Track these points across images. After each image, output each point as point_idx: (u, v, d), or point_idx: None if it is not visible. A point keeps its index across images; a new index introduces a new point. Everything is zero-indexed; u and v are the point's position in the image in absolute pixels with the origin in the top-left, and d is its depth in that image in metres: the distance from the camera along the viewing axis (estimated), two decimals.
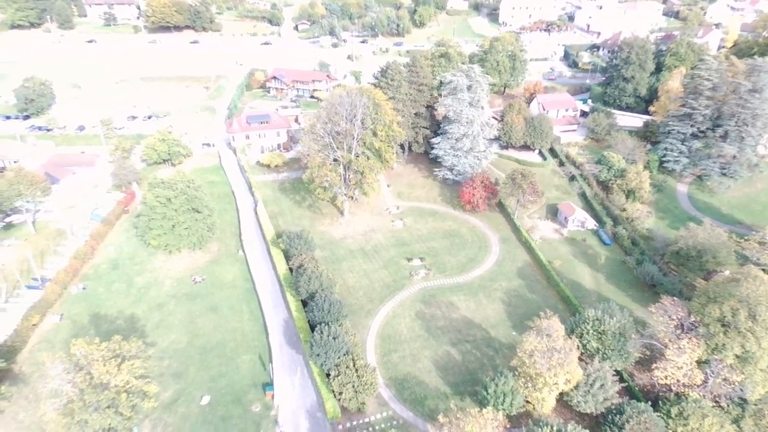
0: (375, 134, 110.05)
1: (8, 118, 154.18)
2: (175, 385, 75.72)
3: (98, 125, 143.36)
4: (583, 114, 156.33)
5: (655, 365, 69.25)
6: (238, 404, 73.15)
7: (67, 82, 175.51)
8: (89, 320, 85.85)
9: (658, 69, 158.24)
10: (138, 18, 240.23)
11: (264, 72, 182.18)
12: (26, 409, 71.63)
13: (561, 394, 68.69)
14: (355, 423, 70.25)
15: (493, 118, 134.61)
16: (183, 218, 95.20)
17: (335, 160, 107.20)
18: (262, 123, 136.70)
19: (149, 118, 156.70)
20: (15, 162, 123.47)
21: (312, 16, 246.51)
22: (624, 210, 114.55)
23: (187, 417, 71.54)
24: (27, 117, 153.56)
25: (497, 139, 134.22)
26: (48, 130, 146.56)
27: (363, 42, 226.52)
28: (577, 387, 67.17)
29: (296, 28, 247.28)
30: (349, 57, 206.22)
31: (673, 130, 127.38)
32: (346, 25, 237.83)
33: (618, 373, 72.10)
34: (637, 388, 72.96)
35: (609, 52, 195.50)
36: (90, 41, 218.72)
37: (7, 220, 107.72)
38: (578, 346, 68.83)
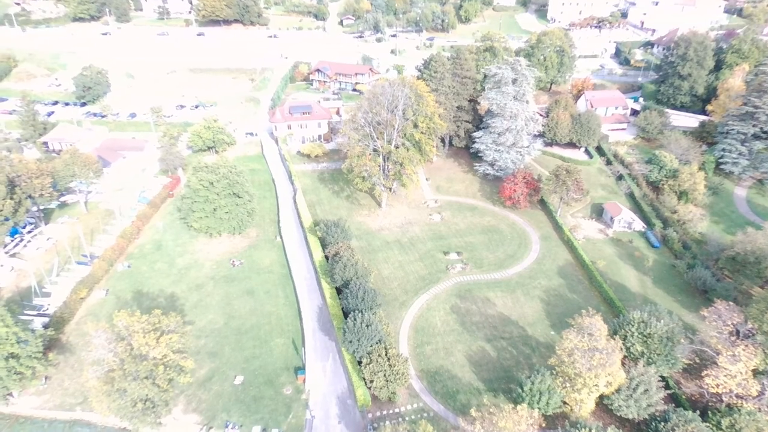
0: (416, 126, 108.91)
1: (67, 104, 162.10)
2: (210, 364, 77.23)
3: (148, 113, 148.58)
4: (634, 113, 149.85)
5: (705, 372, 65.14)
6: (270, 386, 73.83)
7: (122, 72, 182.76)
8: (132, 296, 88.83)
9: (718, 67, 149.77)
10: (190, 12, 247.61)
11: (308, 65, 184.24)
12: (71, 377, 74.74)
13: (601, 397, 65.67)
14: (385, 412, 69.55)
15: (538, 114, 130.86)
16: (224, 202, 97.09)
17: (375, 150, 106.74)
18: (304, 113, 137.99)
19: (196, 107, 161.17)
20: (71, 145, 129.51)
21: (357, 12, 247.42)
22: (675, 212, 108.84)
23: (220, 395, 72.78)
24: (84, 104, 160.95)
25: (542, 135, 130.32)
26: (102, 117, 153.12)
27: (406, 38, 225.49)
28: (618, 391, 63.98)
29: (341, 23, 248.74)
30: (392, 51, 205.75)
31: (732, 130, 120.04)
32: (390, 20, 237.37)
33: (663, 379, 68.33)
34: (683, 397, 68.85)
35: (664, 49, 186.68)
36: (161, 34, 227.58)
37: (62, 199, 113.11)
38: (621, 348, 65.60)
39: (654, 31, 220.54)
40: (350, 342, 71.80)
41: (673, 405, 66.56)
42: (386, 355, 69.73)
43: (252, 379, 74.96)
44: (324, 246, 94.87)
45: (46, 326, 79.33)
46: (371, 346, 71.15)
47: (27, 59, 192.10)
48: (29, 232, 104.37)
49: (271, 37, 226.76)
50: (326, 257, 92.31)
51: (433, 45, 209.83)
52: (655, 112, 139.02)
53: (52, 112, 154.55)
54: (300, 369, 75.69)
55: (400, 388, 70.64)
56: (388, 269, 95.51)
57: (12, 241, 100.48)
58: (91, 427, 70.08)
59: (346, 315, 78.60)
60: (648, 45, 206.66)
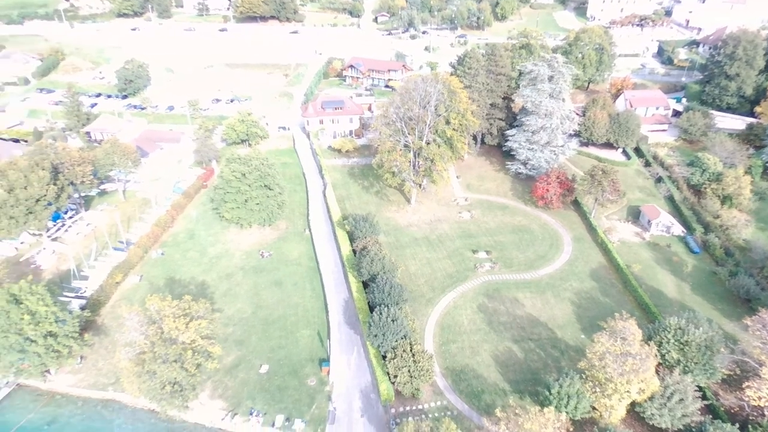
0: (448, 122, 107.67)
1: (109, 96, 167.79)
2: (237, 352, 78.41)
3: (186, 106, 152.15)
4: (676, 114, 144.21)
5: (746, 384, 61.96)
6: (294, 376, 74.40)
7: (162, 66, 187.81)
8: (165, 283, 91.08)
9: None
10: (228, 9, 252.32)
11: (341, 61, 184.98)
12: (105, 358, 77.22)
13: (632, 404, 63.36)
14: (408, 408, 69.04)
15: (575, 113, 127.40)
16: (255, 193, 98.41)
17: (406, 146, 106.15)
18: (336, 109, 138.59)
19: (231, 101, 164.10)
20: (112, 135, 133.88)
21: (392, 8, 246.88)
22: (718, 217, 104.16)
23: (246, 383, 73.78)
24: (125, 96, 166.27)
25: (577, 134, 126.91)
26: (142, 109, 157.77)
27: (439, 35, 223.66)
28: (651, 398, 61.61)
29: (376, 19, 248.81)
30: (426, 48, 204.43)
31: None
32: (425, 17, 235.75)
33: (700, 389, 65.34)
34: (722, 409, 65.70)
35: (710, 48, 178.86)
36: (188, 29, 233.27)
37: (102, 187, 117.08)
38: (656, 354, 63.09)
39: (700, 29, 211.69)
40: (375, 336, 71.57)
41: (710, 417, 63.60)
42: (411, 350, 69.19)
43: (277, 368, 75.70)
44: (352, 240, 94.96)
45: (83, 308, 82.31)
46: (396, 341, 70.73)
47: (74, 53, 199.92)
48: (70, 217, 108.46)
49: (293, 33, 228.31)
50: (354, 251, 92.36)
51: (467, 42, 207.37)
52: (698, 112, 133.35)
53: (96, 104, 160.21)
54: (324, 361, 75.98)
55: (424, 384, 70.03)
56: (415, 265, 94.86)
57: (54, 225, 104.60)
58: (122, 407, 72.32)
59: (371, 309, 78.41)
60: (693, 44, 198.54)
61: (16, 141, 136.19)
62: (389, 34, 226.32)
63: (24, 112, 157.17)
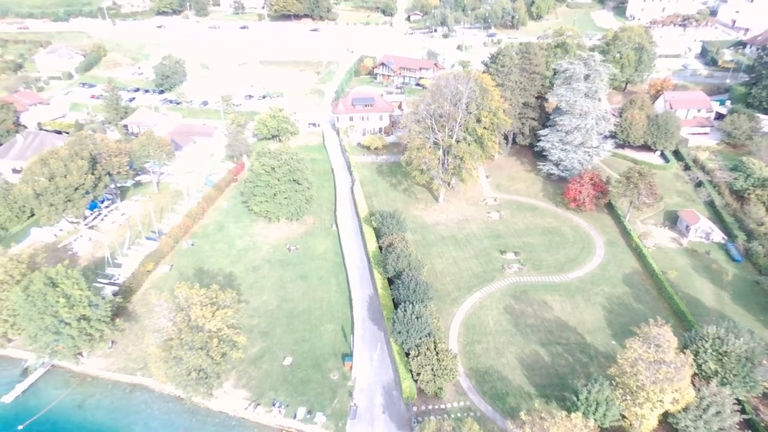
0: (479, 120, 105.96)
1: (147, 91, 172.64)
2: (261, 343, 79.06)
3: (219, 101, 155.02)
4: (719, 117, 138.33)
5: None
6: (317, 370, 74.48)
7: (198, 63, 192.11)
8: (194, 273, 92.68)
9: None
10: (263, 7, 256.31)
11: (373, 59, 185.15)
12: (135, 344, 79.09)
13: (665, 415, 60.74)
14: (430, 407, 68.16)
15: (611, 113, 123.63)
16: (284, 188, 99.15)
17: (435, 143, 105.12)
18: (366, 106, 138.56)
19: (263, 97, 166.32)
20: (148, 128, 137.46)
21: (425, 7, 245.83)
22: (762, 224, 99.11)
23: (269, 374, 74.29)
24: (162, 92, 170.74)
25: (613, 136, 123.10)
26: (177, 104, 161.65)
27: (474, 35, 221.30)
28: (686, 410, 58.87)
29: (408, 18, 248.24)
30: (458, 47, 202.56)
31: None
32: (458, 16, 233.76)
33: (739, 402, 62.11)
34: (762, 424, 62.35)
35: (758, 49, 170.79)
36: (243, 27, 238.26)
37: (137, 179, 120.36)
38: (692, 364, 60.29)
39: (747, 30, 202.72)
40: (399, 333, 70.94)
41: None
42: (435, 349, 68.26)
43: (300, 361, 75.95)
44: (378, 237, 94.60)
45: (115, 294, 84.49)
46: (420, 338, 69.92)
47: (114, 49, 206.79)
48: (107, 207, 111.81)
49: (313, 30, 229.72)
50: (380, 248, 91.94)
51: (500, 42, 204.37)
52: (744, 115, 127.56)
53: (134, 98, 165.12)
54: (347, 356, 75.81)
55: (448, 384, 68.97)
56: (441, 264, 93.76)
57: (91, 214, 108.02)
58: (149, 392, 73.92)
59: (396, 306, 77.82)
60: (739, 45, 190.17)
61: (59, 132, 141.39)
62: (421, 33, 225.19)
63: (67, 105, 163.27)
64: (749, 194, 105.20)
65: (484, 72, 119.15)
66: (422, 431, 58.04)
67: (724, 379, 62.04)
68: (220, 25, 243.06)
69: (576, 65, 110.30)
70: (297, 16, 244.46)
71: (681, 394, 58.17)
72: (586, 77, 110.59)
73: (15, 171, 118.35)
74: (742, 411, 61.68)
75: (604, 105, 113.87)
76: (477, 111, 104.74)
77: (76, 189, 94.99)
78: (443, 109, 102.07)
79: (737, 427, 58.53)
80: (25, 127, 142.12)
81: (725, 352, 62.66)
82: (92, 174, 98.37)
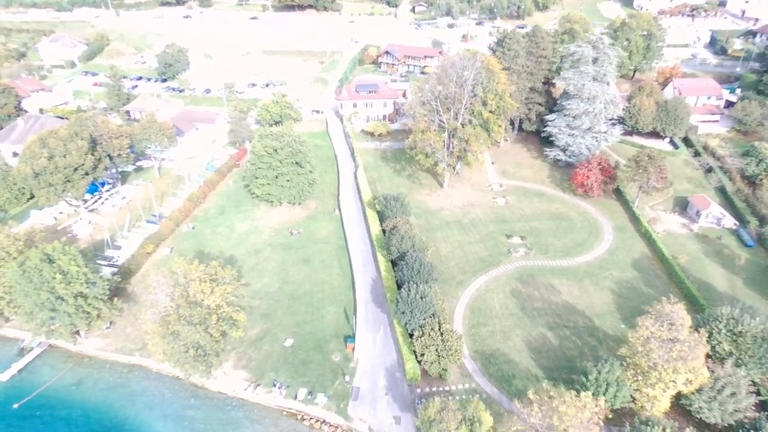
0: (485, 104, 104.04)
1: (149, 80, 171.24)
2: (262, 325, 77.49)
3: (222, 89, 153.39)
4: (729, 105, 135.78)
5: None
6: (318, 351, 72.86)
7: (201, 53, 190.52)
8: (194, 255, 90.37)
9: None
10: None
11: (377, 48, 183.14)
12: (133, 324, 77.66)
13: (678, 396, 58.78)
14: (434, 389, 66.42)
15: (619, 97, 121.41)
16: (286, 170, 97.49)
17: (440, 126, 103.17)
18: (370, 92, 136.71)
19: (267, 85, 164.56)
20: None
21: None
22: None
23: (270, 355, 72.71)
24: (164, 80, 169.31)
25: (621, 122, 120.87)
26: (180, 91, 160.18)
27: (479, 24, 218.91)
28: (700, 390, 56.93)
29: (413, 9, 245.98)
30: (463, 36, 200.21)
31: None
32: (463, 7, 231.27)
33: (754, 384, 60.03)
34: None
35: None
36: (253, 18, 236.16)
37: (139, 163, 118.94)
38: (705, 344, 58.20)
39: (757, 20, 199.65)
40: (403, 313, 69.18)
41: (766, 414, 58.22)
42: (439, 329, 66.51)
43: (302, 343, 74.33)
44: (382, 220, 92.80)
45: (114, 274, 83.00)
46: (424, 319, 68.17)
47: (118, 39, 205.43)
48: (107, 190, 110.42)
49: (315, 21, 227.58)
50: (383, 231, 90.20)
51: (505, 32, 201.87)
52: (755, 102, 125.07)
53: (136, 86, 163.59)
54: (350, 338, 74.16)
55: (452, 365, 67.28)
56: (446, 248, 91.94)
57: (92, 197, 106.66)
58: (147, 372, 72.47)
59: (400, 288, 76.02)
60: (749, 34, 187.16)
61: (62, 118, 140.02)
62: (427, 24, 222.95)
63: (69, 92, 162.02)
64: (761, 179, 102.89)
65: (490, 56, 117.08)
66: (426, 410, 56.28)
67: (739, 360, 60.10)
68: (221, 16, 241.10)
69: (584, 48, 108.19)
70: (301, 7, 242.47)
71: (695, 375, 56.21)
72: (595, 60, 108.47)
73: (15, 154, 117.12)
74: (758, 393, 59.59)
75: (612, 89, 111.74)
76: (483, 94, 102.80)
77: (76, 169, 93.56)
78: (449, 90, 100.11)
79: (753, 408, 56.50)
80: (27, 112, 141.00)
81: (740, 332, 60.70)
82: (92, 155, 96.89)
